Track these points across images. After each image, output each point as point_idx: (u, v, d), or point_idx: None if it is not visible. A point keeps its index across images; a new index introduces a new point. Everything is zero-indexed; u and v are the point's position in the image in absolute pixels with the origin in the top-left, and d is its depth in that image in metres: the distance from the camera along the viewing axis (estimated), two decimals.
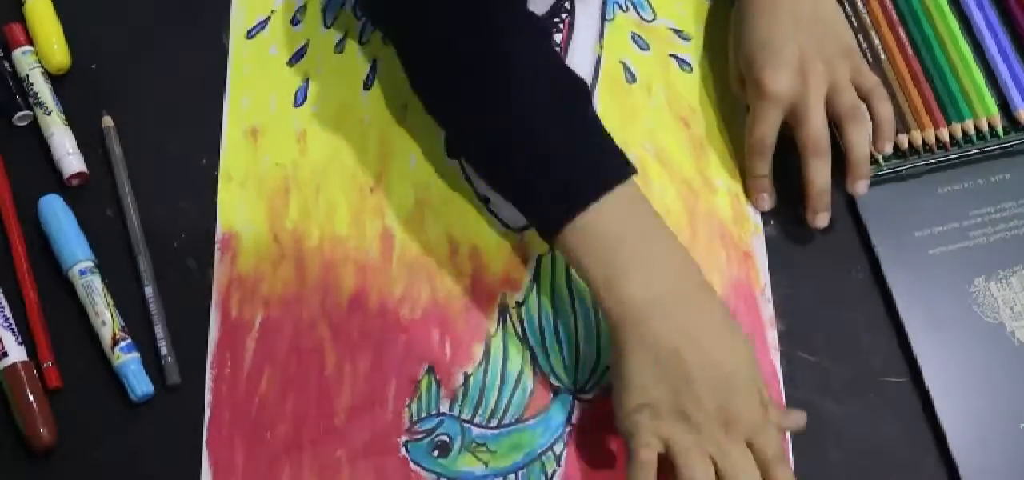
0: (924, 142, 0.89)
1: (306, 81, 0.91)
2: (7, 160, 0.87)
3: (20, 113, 0.88)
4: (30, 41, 0.91)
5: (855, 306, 0.83)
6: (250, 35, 0.93)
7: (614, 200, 0.74)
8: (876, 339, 0.82)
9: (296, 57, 0.92)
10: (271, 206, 0.86)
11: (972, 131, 0.89)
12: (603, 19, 0.94)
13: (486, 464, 0.78)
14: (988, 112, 0.90)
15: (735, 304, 0.83)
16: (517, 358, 0.81)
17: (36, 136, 0.88)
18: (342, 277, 0.83)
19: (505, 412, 0.79)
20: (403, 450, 0.78)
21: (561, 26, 0.93)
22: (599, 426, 0.78)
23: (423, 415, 0.79)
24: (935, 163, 0.89)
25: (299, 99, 0.90)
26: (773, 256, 0.85)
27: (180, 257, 0.84)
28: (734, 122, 0.90)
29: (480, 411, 0.79)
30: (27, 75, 0.90)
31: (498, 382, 0.80)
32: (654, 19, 0.95)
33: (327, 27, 0.93)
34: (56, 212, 0.84)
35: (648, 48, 0.93)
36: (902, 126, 0.89)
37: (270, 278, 0.83)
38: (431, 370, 0.80)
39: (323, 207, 0.86)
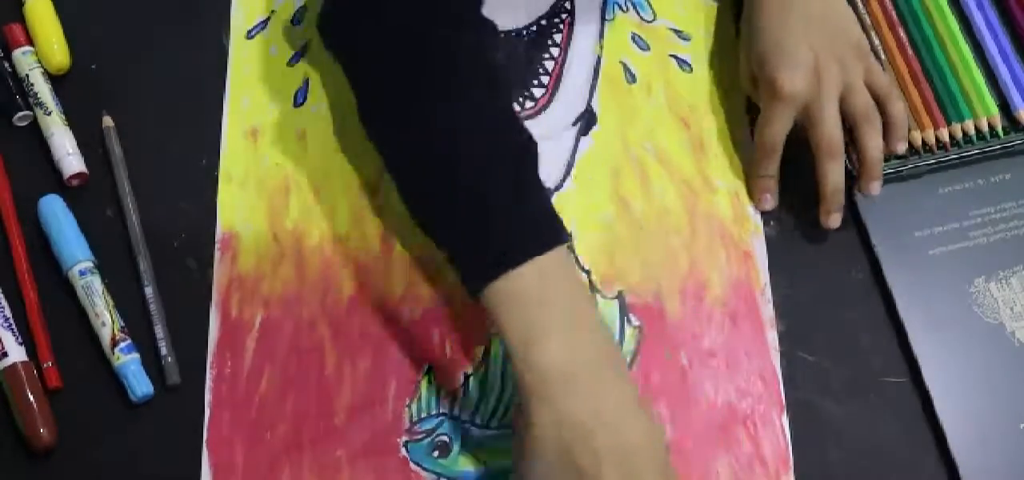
0: (924, 142, 0.89)
1: (306, 81, 0.91)
2: (7, 160, 0.87)
3: (20, 113, 0.88)
4: (30, 41, 0.91)
5: (855, 306, 0.83)
6: (250, 35, 0.93)
7: (545, 264, 0.72)
8: (876, 339, 0.82)
9: (296, 57, 0.92)
10: (271, 206, 0.86)
11: (972, 131, 0.89)
12: (603, 19, 0.94)
13: (486, 464, 0.78)
14: (988, 112, 0.90)
15: (735, 304, 0.83)
16: None
17: (36, 136, 0.88)
18: (342, 277, 0.83)
19: (505, 412, 0.79)
20: (403, 450, 0.78)
21: (561, 26, 0.93)
22: None
23: (423, 415, 0.79)
24: (935, 163, 0.89)
25: (299, 99, 0.90)
26: (773, 256, 0.85)
27: (180, 257, 0.84)
28: (734, 122, 0.90)
29: (480, 411, 0.79)
30: (27, 75, 0.90)
31: (498, 382, 0.80)
32: (654, 19, 0.95)
33: None
34: (56, 212, 0.84)
35: (648, 48, 0.93)
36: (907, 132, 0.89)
37: (270, 278, 0.83)
38: (431, 370, 0.80)
39: (323, 207, 0.86)
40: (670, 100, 0.91)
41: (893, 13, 0.94)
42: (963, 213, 0.86)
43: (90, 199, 0.86)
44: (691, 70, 0.93)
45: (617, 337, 0.81)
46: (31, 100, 0.89)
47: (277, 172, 0.87)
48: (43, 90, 0.89)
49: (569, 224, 0.85)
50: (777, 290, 0.84)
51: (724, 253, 0.85)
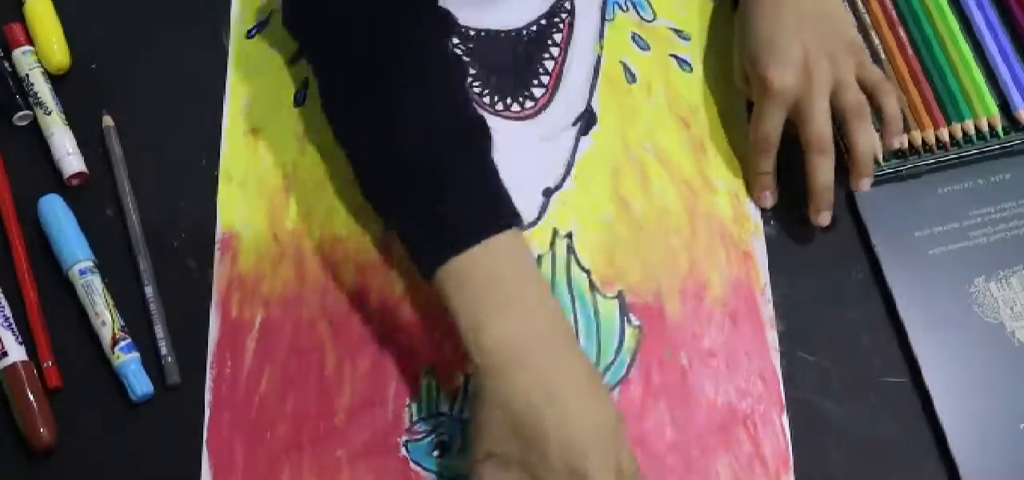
0: (924, 142, 0.89)
1: (306, 81, 0.91)
2: (7, 160, 0.87)
3: (20, 113, 0.88)
4: (30, 41, 0.91)
5: (855, 306, 0.83)
6: (250, 35, 0.93)
7: (494, 245, 0.73)
8: (876, 339, 0.82)
9: (296, 57, 0.92)
10: (271, 206, 0.86)
11: (972, 131, 0.89)
12: (603, 19, 0.94)
13: None
14: (988, 112, 0.90)
15: (735, 304, 0.83)
16: None
17: (36, 136, 0.88)
18: (342, 277, 0.83)
19: None
20: (403, 450, 0.78)
21: (561, 26, 0.93)
22: None
23: (423, 415, 0.79)
24: (935, 163, 0.89)
25: (299, 99, 0.90)
26: (773, 256, 0.85)
27: (180, 257, 0.84)
28: (734, 122, 0.90)
29: None
30: (27, 75, 0.90)
31: None
32: (654, 19, 0.95)
33: None
34: (56, 212, 0.84)
35: (648, 48, 0.93)
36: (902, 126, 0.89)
37: (270, 278, 0.83)
38: (431, 370, 0.80)
39: (323, 207, 0.86)
40: (670, 100, 0.91)
41: (893, 13, 0.94)
42: (963, 213, 0.86)
43: (90, 199, 0.86)
44: (691, 70, 0.93)
45: (617, 337, 0.82)
46: (31, 100, 0.89)
47: (277, 172, 0.87)
48: (43, 90, 0.89)
49: (569, 224, 0.85)
50: (777, 290, 0.84)
51: (724, 253, 0.85)
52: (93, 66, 0.92)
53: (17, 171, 0.87)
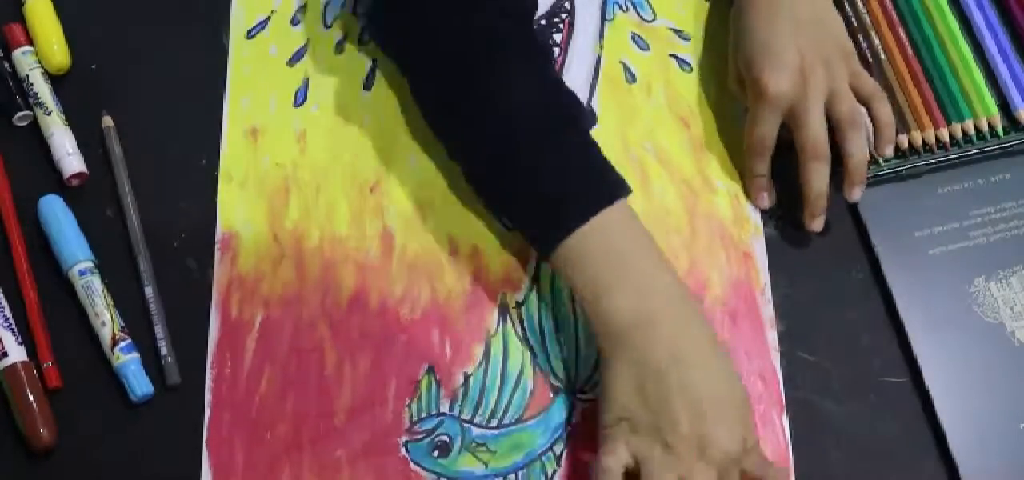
0: (924, 142, 0.89)
1: (306, 81, 0.91)
2: (7, 160, 0.87)
3: (20, 113, 0.88)
4: (30, 41, 0.91)
5: (855, 306, 0.83)
6: (250, 35, 0.93)
7: (605, 220, 0.75)
8: (876, 339, 0.82)
9: (296, 57, 0.92)
10: (271, 206, 0.86)
11: (972, 131, 0.89)
12: (603, 19, 0.94)
13: (486, 464, 0.78)
14: (988, 112, 0.90)
15: (735, 304, 0.83)
16: (517, 358, 0.81)
17: (36, 136, 0.88)
18: (342, 277, 0.83)
19: (505, 412, 0.79)
20: (403, 450, 0.78)
21: (561, 26, 0.93)
22: None
23: (423, 415, 0.79)
24: (935, 163, 0.89)
25: (299, 99, 0.90)
26: (773, 256, 0.85)
27: (180, 257, 0.84)
28: (734, 122, 0.90)
29: (480, 411, 0.79)
30: (27, 75, 0.90)
31: (498, 382, 0.80)
32: (654, 19, 0.95)
33: (327, 27, 0.93)
34: (56, 212, 0.84)
35: (648, 48, 0.93)
36: (902, 126, 0.89)
37: (270, 278, 0.83)
38: (431, 370, 0.80)
39: (323, 207, 0.86)
40: (670, 100, 0.91)
41: (893, 13, 0.94)
42: (963, 213, 0.86)
43: (90, 199, 0.86)
44: (691, 70, 0.93)
45: None
46: (31, 100, 0.89)
47: (277, 172, 0.87)
48: (43, 90, 0.89)
49: None
50: (777, 290, 0.84)
51: (724, 253, 0.85)
52: (93, 66, 0.92)
53: (17, 171, 0.87)
